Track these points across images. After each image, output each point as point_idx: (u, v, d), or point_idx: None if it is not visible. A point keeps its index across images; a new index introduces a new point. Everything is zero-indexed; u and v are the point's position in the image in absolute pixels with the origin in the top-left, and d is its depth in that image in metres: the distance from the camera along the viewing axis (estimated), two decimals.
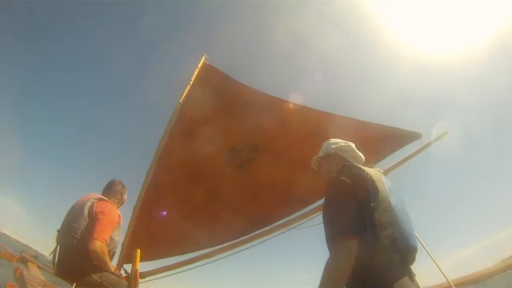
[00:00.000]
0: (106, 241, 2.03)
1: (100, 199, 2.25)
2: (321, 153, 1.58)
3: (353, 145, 1.54)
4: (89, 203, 2.17)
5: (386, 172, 2.71)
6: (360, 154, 1.52)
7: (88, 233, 2.00)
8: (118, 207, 2.43)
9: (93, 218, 2.08)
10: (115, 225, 2.17)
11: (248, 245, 2.96)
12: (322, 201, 2.93)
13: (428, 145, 2.87)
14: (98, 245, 1.95)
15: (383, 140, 3.06)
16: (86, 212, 2.11)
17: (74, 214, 2.14)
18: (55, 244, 2.14)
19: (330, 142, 1.58)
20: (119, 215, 2.28)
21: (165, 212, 3.13)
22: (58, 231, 2.17)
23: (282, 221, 3.17)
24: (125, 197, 2.54)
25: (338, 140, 1.56)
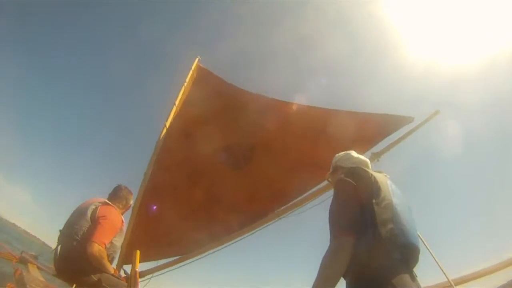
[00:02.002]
0: (105, 245, 2.03)
1: (104, 203, 2.25)
2: (331, 169, 1.69)
3: (352, 152, 1.63)
4: (93, 206, 2.17)
5: (379, 155, 2.78)
6: (363, 157, 1.60)
7: (88, 236, 2.00)
8: (123, 213, 2.44)
9: (95, 221, 2.08)
10: (117, 231, 2.17)
11: (243, 235, 3.01)
12: (313, 190, 3.01)
13: (420, 125, 2.86)
14: (96, 248, 1.95)
15: (376, 127, 3.10)
16: (89, 214, 2.12)
17: (77, 216, 2.15)
18: (57, 244, 2.13)
19: (335, 157, 1.69)
20: (122, 221, 2.28)
21: (155, 207, 3.13)
22: (60, 231, 2.18)
23: (276, 211, 3.20)
24: (131, 202, 2.55)
25: (340, 153, 1.67)
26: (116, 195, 2.44)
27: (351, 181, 1.25)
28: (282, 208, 3.14)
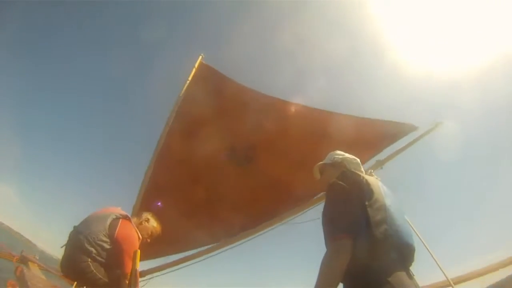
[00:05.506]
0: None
1: (125, 217, 2.22)
2: (327, 161, 1.69)
3: (359, 160, 1.65)
4: (113, 216, 2.15)
5: (383, 163, 2.79)
6: (363, 169, 1.63)
7: (118, 264, 2.01)
8: (147, 238, 2.44)
9: (118, 243, 2.05)
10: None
11: (245, 239, 2.99)
12: (317, 196, 2.98)
13: (422, 135, 2.90)
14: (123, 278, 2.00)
15: (380, 135, 3.11)
16: (108, 222, 2.09)
17: (95, 218, 2.13)
18: (68, 240, 2.10)
19: (336, 152, 1.70)
20: (139, 238, 2.26)
21: (159, 203, 3.12)
22: (74, 227, 2.14)
23: (280, 216, 3.18)
24: (154, 224, 2.52)
25: (349, 155, 1.67)
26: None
27: (344, 184, 1.29)
28: (287, 212, 3.10)
